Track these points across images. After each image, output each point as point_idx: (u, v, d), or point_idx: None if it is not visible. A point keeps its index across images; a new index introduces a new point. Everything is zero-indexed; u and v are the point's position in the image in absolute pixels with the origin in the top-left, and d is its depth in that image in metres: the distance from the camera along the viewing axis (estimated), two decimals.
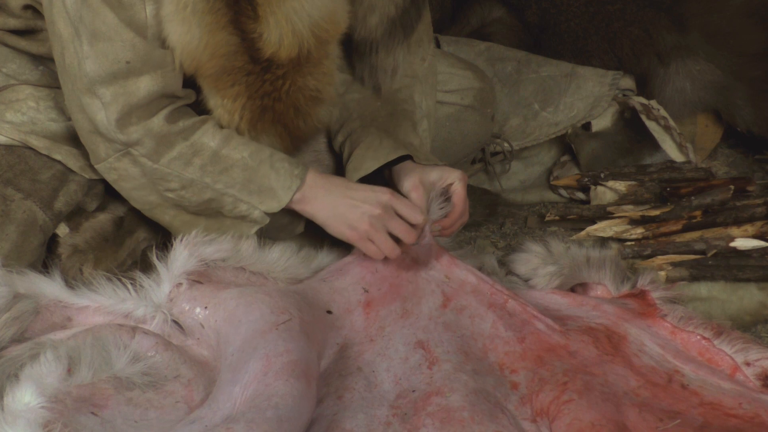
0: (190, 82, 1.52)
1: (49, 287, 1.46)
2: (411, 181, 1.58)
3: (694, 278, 1.74)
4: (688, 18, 2.23)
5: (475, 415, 1.32)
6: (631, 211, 1.92)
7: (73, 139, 1.60)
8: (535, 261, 1.68)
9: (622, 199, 1.98)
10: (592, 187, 2.05)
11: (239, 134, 1.54)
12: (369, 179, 1.61)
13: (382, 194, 1.51)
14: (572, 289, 1.65)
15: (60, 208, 1.59)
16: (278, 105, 1.52)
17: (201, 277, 1.47)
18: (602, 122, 2.16)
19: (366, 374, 1.41)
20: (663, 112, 2.14)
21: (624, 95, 2.19)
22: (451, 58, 1.90)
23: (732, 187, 1.92)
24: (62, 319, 1.45)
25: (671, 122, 2.14)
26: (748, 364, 1.45)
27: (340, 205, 1.51)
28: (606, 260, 1.64)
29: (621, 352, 1.47)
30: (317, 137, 1.71)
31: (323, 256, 1.62)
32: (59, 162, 1.60)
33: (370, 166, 1.59)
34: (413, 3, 1.64)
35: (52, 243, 1.62)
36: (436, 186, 1.60)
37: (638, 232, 1.86)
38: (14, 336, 1.39)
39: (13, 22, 1.61)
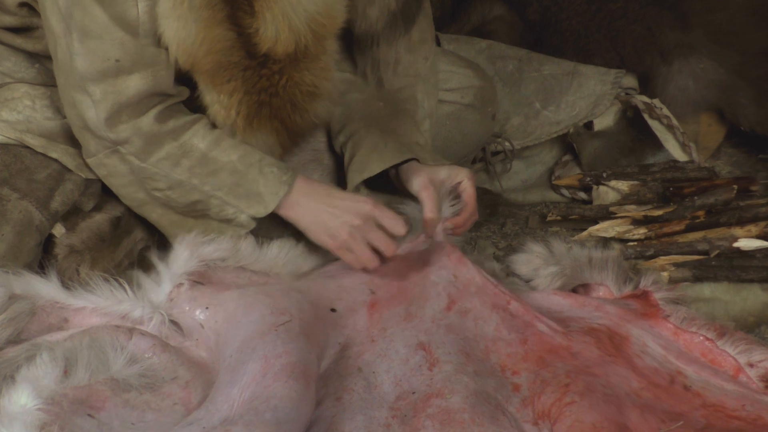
0: (185, 78, 1.52)
1: (46, 288, 1.45)
2: (420, 180, 1.58)
3: (697, 279, 1.74)
4: (691, 16, 2.24)
5: (475, 417, 1.31)
6: (633, 211, 1.91)
7: (69, 137, 1.60)
8: (536, 262, 1.68)
9: (625, 199, 1.98)
10: (594, 186, 2.05)
11: (235, 130, 1.54)
12: (373, 179, 1.61)
13: (364, 204, 1.51)
14: (574, 290, 1.65)
15: (56, 207, 1.59)
16: (275, 100, 1.52)
17: (202, 277, 1.47)
18: (604, 121, 2.16)
19: (366, 375, 1.41)
20: (666, 111, 2.14)
21: (626, 94, 2.19)
22: (451, 56, 1.90)
23: (735, 186, 1.92)
24: (59, 320, 1.45)
25: (674, 121, 2.14)
26: (751, 365, 1.45)
27: (321, 213, 1.52)
28: (608, 261, 1.64)
29: (623, 353, 1.47)
30: (317, 136, 1.72)
31: (324, 249, 1.61)
32: (56, 161, 1.60)
33: (375, 168, 1.59)
34: None
35: (48, 243, 1.62)
36: (446, 184, 1.61)
37: (641, 232, 1.86)
38: (10, 337, 1.39)
39: (8, 20, 1.61)
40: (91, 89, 1.46)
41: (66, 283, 1.48)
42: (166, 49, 1.45)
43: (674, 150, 2.13)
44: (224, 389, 1.30)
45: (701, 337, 1.49)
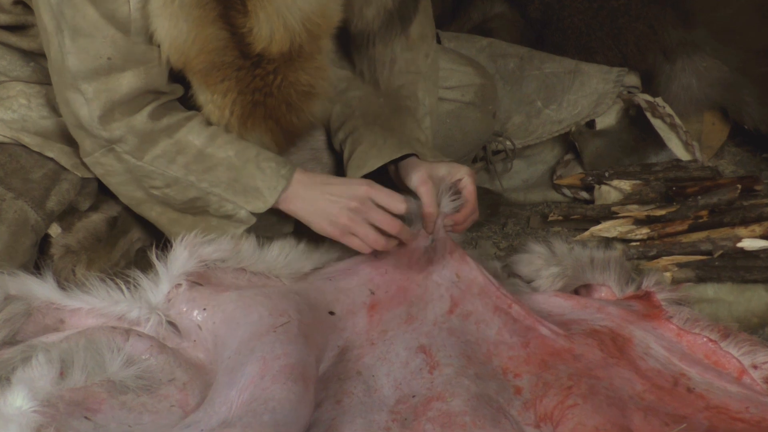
0: (179, 77, 1.52)
1: (41, 289, 1.45)
2: (419, 175, 1.57)
3: (700, 279, 1.73)
4: (694, 13, 2.24)
5: (476, 420, 1.31)
6: (636, 210, 1.91)
7: (65, 136, 1.60)
8: (538, 262, 1.67)
9: (627, 199, 1.98)
10: (596, 186, 2.04)
11: (229, 130, 1.53)
12: (374, 177, 1.60)
13: (359, 186, 1.51)
14: (576, 291, 1.65)
15: (52, 207, 1.59)
16: (269, 100, 1.52)
17: (200, 278, 1.47)
18: (606, 120, 2.16)
19: (365, 378, 1.40)
20: (669, 110, 2.14)
21: (629, 92, 2.19)
22: (451, 54, 1.90)
23: (739, 186, 1.91)
24: (55, 321, 1.44)
25: (677, 120, 2.14)
26: (755, 367, 1.44)
27: (319, 201, 1.51)
28: (610, 261, 1.63)
29: (626, 355, 1.46)
30: (315, 135, 1.71)
31: (325, 249, 1.62)
32: (51, 160, 1.60)
33: (374, 163, 1.59)
34: None
35: (44, 243, 1.61)
36: (445, 181, 1.60)
37: (643, 232, 1.85)
38: (6, 338, 1.39)
39: (2, 18, 1.60)
40: (83, 87, 1.46)
41: (62, 284, 1.48)
42: (159, 46, 1.45)
43: (677, 149, 2.12)
44: (222, 391, 1.29)
45: (705, 339, 1.49)
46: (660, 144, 2.12)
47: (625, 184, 1.98)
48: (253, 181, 1.51)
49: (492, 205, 2.06)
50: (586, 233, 1.89)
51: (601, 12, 2.27)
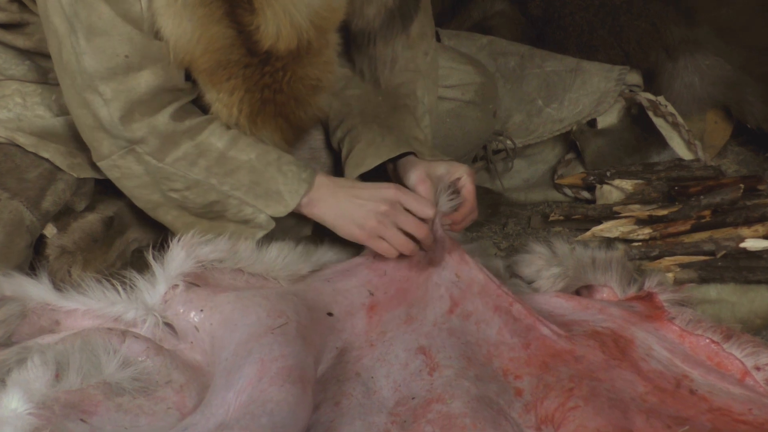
0: (186, 75, 1.51)
1: (37, 290, 1.45)
2: (417, 174, 1.57)
3: (703, 280, 1.72)
4: (697, 11, 2.25)
5: (476, 422, 1.30)
6: (637, 210, 1.90)
7: (60, 136, 1.60)
8: (539, 262, 1.67)
9: (629, 199, 1.97)
10: (598, 186, 2.04)
11: (239, 129, 1.53)
12: (371, 176, 1.60)
13: (387, 190, 1.51)
14: (577, 292, 1.64)
15: (47, 207, 1.58)
16: (279, 96, 1.52)
17: (198, 279, 1.46)
18: (608, 119, 2.16)
19: (364, 380, 1.40)
20: (671, 109, 2.14)
21: (631, 91, 2.19)
22: (451, 52, 1.90)
23: (742, 185, 1.90)
24: (50, 322, 1.44)
25: (679, 119, 2.14)
26: (758, 368, 1.44)
27: (345, 205, 1.51)
28: (612, 261, 1.63)
29: (628, 356, 1.46)
30: (313, 134, 1.72)
31: (323, 251, 1.62)
32: (47, 160, 1.60)
33: (372, 162, 1.58)
34: None
35: (39, 244, 1.61)
36: (444, 180, 1.60)
37: (645, 232, 1.85)
38: (0, 340, 1.39)
39: None
40: (101, 88, 1.45)
41: (57, 285, 1.48)
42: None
43: (679, 148, 2.12)
44: (219, 393, 1.29)
45: (707, 340, 1.48)
46: (662, 143, 2.12)
47: (627, 184, 1.98)
48: (274, 185, 1.51)
49: (492, 205, 2.06)
50: (588, 233, 1.88)
51: (602, 9, 2.27)
